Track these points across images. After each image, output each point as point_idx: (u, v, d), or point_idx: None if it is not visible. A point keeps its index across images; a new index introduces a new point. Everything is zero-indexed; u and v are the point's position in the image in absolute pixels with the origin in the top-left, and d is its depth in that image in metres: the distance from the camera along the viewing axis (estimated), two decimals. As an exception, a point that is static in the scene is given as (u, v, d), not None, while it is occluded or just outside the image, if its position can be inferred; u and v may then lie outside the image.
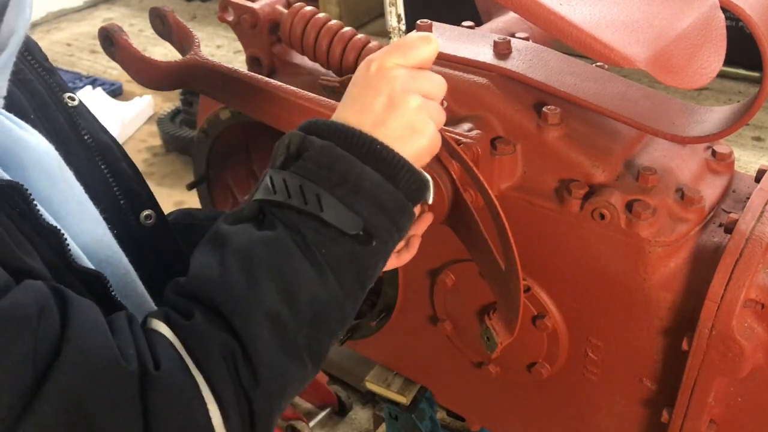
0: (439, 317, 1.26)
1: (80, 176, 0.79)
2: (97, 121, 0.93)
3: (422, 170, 0.75)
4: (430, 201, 0.80)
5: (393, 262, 1.05)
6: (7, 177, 0.69)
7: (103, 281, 0.75)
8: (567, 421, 1.21)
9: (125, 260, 0.81)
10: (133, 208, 0.90)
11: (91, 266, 0.76)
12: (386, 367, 1.50)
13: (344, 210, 0.69)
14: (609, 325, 1.05)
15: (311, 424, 2.18)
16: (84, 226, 0.78)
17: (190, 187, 1.65)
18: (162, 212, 0.95)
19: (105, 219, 0.81)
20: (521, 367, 1.19)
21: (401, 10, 0.84)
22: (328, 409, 2.25)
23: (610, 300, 1.02)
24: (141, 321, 0.69)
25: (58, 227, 0.72)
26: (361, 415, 2.31)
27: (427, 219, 1.04)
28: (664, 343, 1.00)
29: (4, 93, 0.74)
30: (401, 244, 1.04)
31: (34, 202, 0.70)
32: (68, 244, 0.73)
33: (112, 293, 0.77)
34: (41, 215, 0.71)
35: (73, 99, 0.89)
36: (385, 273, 1.32)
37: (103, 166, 0.88)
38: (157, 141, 3.79)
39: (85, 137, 0.88)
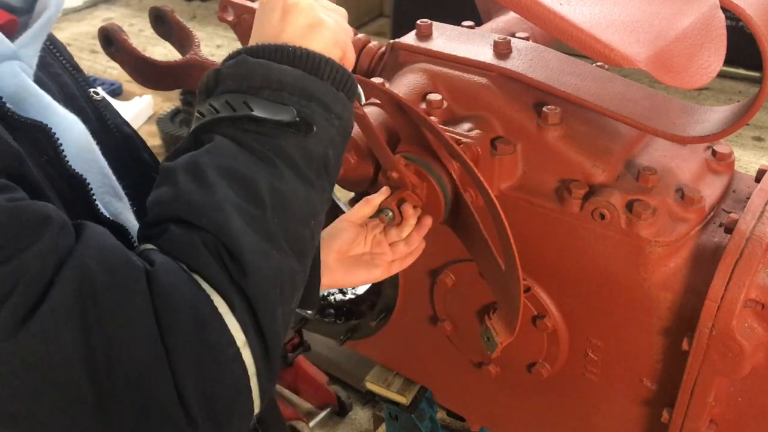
0: (439, 317, 1.26)
1: (110, 161, 0.82)
2: (119, 114, 0.95)
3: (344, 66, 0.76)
4: (363, 101, 0.81)
5: (396, 266, 1.07)
6: (31, 117, 0.70)
7: (125, 234, 0.77)
8: (567, 421, 1.21)
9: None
10: None
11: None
12: (386, 367, 1.50)
13: (274, 105, 0.69)
14: (609, 325, 1.05)
15: (311, 424, 2.18)
16: (106, 198, 0.79)
17: (190, 187, 1.65)
18: None
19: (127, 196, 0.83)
20: (521, 367, 1.19)
21: None
22: (328, 409, 2.25)
23: (610, 300, 1.02)
24: None
25: (84, 176, 0.74)
26: (361, 415, 2.31)
27: (427, 222, 1.04)
28: (664, 343, 1.00)
29: (34, 64, 0.77)
30: (405, 249, 1.05)
31: (61, 147, 0.72)
32: (93, 194, 0.75)
33: (134, 245, 0.78)
34: (67, 161, 0.73)
35: (97, 94, 0.91)
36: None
37: (127, 156, 0.90)
38: (157, 141, 3.79)
39: (112, 128, 0.90)
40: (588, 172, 1.02)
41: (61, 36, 5.01)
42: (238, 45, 1.00)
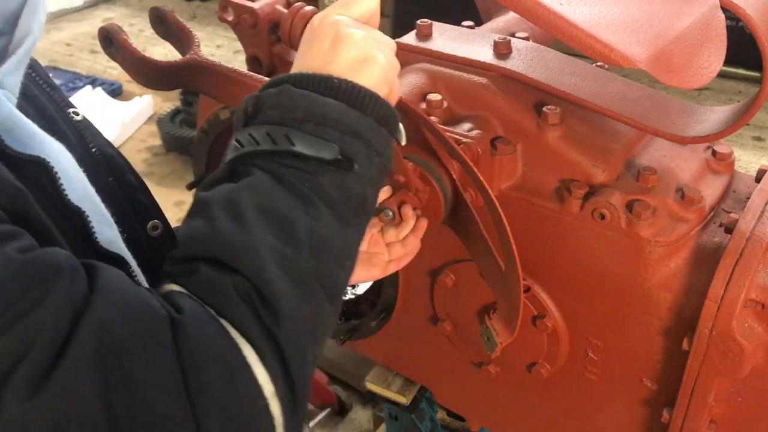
0: (439, 317, 1.26)
1: (93, 185, 0.79)
2: (102, 135, 0.92)
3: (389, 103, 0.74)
4: (403, 141, 0.79)
5: (392, 266, 1.06)
6: (32, 152, 0.69)
7: (126, 265, 0.75)
8: (567, 421, 1.21)
9: (134, 263, 0.81)
10: (140, 220, 0.89)
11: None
12: (386, 367, 1.50)
13: (316, 140, 0.67)
14: (609, 325, 1.05)
15: (311, 424, 2.18)
16: (98, 227, 0.77)
17: (190, 187, 1.65)
18: (168, 223, 0.94)
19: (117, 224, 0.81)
20: (521, 367, 1.18)
21: None
22: (328, 409, 2.25)
23: (611, 300, 1.02)
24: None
25: (82, 208, 0.72)
26: (361, 415, 2.31)
27: (423, 225, 1.04)
28: (665, 343, 1.00)
29: (17, 92, 0.74)
30: (401, 250, 1.05)
31: (60, 181, 0.70)
32: (92, 226, 0.73)
33: (134, 276, 0.77)
34: (66, 195, 0.71)
35: (77, 114, 0.89)
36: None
37: (110, 179, 0.88)
38: (157, 141, 3.80)
39: (93, 150, 0.87)
40: (588, 172, 1.02)
41: (61, 36, 5.03)
42: (238, 45, 1.00)
